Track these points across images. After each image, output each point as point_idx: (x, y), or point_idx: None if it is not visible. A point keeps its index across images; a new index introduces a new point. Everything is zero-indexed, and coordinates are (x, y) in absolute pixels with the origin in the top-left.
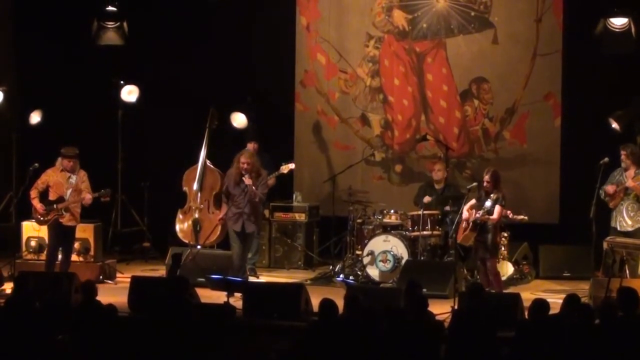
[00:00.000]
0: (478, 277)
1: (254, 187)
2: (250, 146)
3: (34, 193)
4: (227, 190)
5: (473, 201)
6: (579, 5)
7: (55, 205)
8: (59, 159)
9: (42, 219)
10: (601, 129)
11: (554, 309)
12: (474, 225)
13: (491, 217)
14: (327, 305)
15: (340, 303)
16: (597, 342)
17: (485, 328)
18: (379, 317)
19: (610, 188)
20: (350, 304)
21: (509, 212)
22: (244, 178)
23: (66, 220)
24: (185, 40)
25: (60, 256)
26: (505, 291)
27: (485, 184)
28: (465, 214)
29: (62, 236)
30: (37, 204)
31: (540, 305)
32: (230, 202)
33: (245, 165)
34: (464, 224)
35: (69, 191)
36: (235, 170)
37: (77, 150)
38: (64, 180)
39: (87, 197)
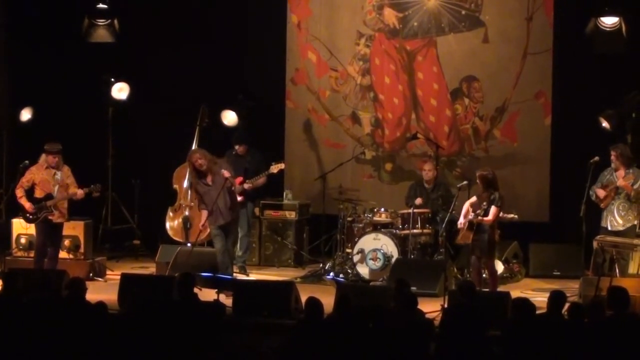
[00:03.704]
0: (469, 275)
1: (229, 176)
2: (239, 149)
3: (20, 192)
4: (200, 195)
5: (474, 198)
6: (570, 4)
7: (44, 203)
8: (43, 156)
9: (31, 217)
10: (591, 128)
11: (545, 308)
12: (470, 224)
13: (485, 218)
14: (312, 304)
15: (330, 301)
16: (586, 340)
17: (476, 326)
18: (369, 315)
19: (600, 192)
20: (341, 302)
21: None
22: (223, 171)
23: (56, 217)
24: (175, 37)
25: (48, 254)
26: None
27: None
28: (464, 212)
29: (50, 234)
30: (25, 202)
31: (521, 304)
32: (204, 205)
33: (200, 161)
34: (463, 222)
35: (56, 188)
36: (191, 172)
37: (60, 146)
38: (50, 178)
39: (79, 192)
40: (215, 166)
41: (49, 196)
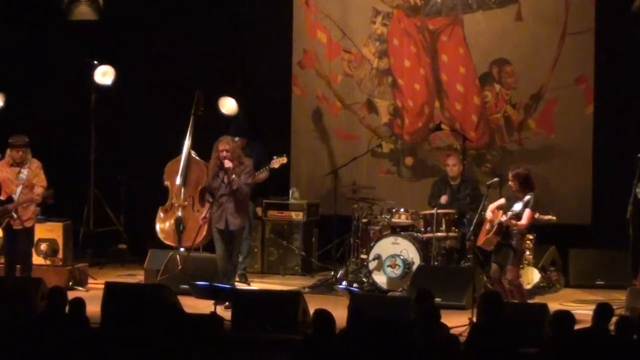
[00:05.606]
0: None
1: (234, 176)
2: (238, 142)
3: None
4: (210, 185)
5: (502, 201)
6: None
7: (6, 207)
8: (7, 151)
9: None
10: (639, 118)
11: (586, 322)
12: (499, 228)
13: (519, 222)
14: (322, 316)
15: (342, 314)
16: (636, 359)
17: (506, 344)
18: (386, 329)
19: None
20: (354, 315)
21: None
22: (224, 162)
23: (17, 224)
24: (168, 15)
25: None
26: (530, 301)
27: (509, 183)
28: (489, 215)
29: (17, 240)
30: None
31: (563, 317)
32: (213, 199)
33: (224, 153)
34: (487, 226)
35: (18, 189)
36: (213, 160)
37: (27, 139)
38: (13, 177)
39: (35, 197)
40: (239, 168)
41: (9, 199)
